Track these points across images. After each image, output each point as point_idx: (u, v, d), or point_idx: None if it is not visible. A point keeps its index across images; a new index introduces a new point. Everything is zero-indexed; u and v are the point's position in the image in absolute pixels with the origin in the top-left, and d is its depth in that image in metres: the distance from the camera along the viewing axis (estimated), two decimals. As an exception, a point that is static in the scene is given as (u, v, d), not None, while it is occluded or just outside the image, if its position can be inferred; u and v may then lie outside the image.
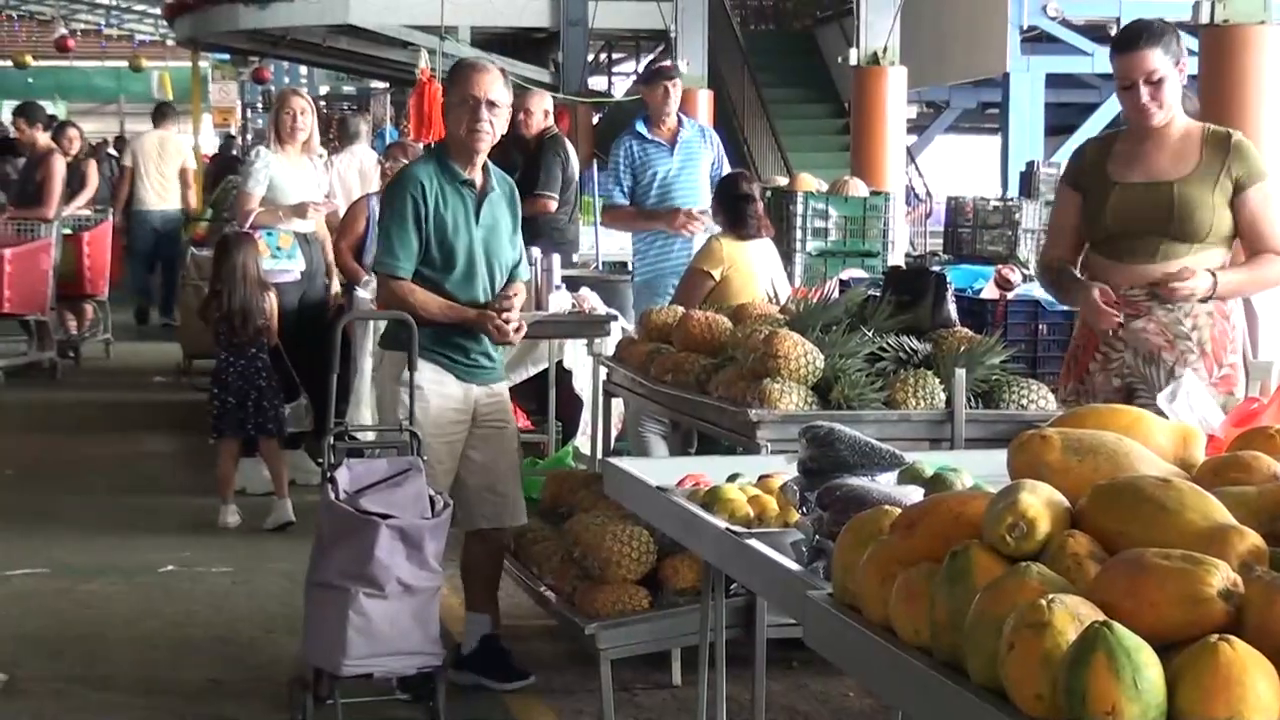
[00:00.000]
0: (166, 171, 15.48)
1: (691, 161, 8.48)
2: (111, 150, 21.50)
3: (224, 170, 17.86)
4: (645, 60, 25.57)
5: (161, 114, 16.28)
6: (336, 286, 9.01)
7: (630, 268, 9.11)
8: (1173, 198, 4.74)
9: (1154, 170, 4.81)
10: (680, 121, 8.60)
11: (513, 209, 5.50)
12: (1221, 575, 2.17)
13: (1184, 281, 4.69)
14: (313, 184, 8.75)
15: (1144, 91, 4.73)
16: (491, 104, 5.27)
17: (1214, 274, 4.72)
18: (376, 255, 5.46)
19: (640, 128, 8.51)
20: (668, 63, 8.96)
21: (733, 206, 7.17)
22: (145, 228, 15.44)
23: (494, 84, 5.29)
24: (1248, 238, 4.78)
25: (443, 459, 5.32)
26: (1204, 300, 4.76)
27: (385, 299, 5.42)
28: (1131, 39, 4.78)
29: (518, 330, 5.37)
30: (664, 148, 8.45)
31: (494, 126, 5.29)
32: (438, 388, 5.33)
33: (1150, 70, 4.70)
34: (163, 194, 15.45)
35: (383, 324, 5.70)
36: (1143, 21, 4.83)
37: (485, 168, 5.41)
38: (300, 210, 8.56)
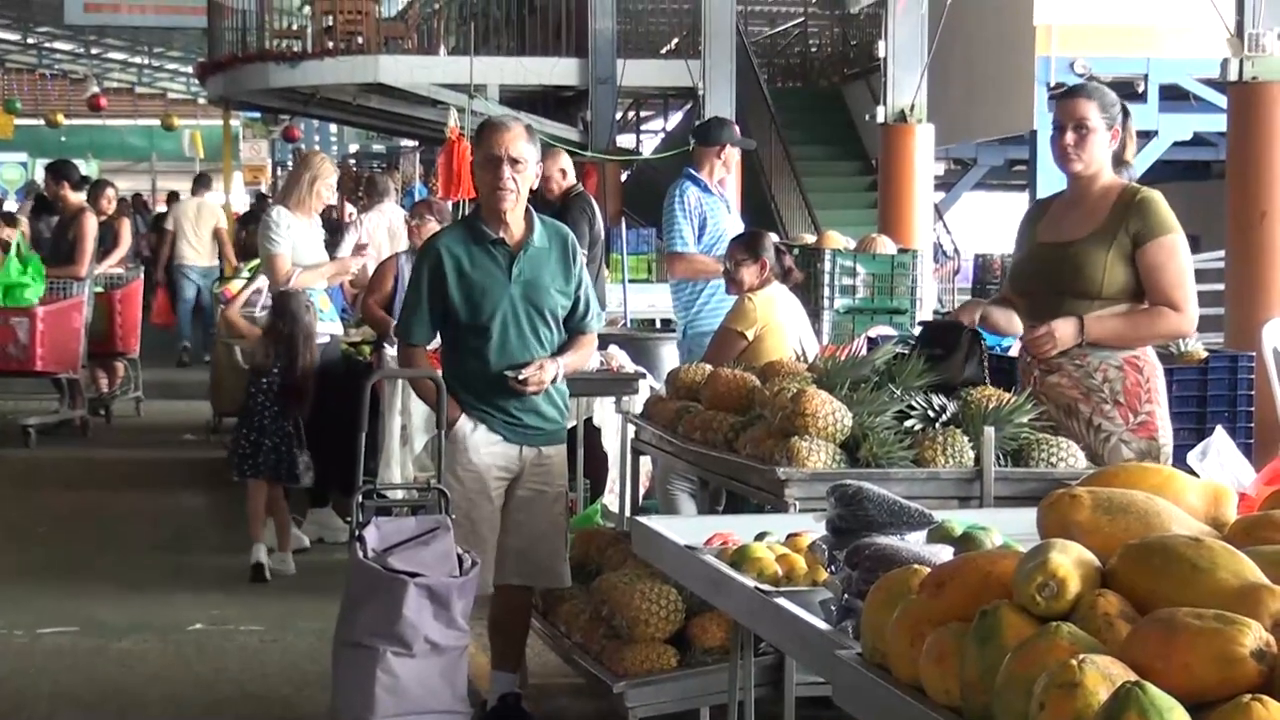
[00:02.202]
0: (202, 232, 17.91)
1: (737, 219, 8.57)
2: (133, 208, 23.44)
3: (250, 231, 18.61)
4: (674, 118, 25.64)
5: (200, 183, 19.11)
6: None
7: (672, 323, 9.07)
8: (1067, 257, 4.96)
9: (1062, 230, 5.05)
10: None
11: (564, 258, 5.42)
12: (1254, 635, 2.17)
13: (1037, 335, 4.97)
14: (319, 243, 8.81)
15: (1070, 136, 4.96)
16: (514, 161, 5.24)
17: (1082, 320, 4.91)
18: (397, 319, 5.66)
19: (698, 177, 8.49)
20: (736, 129, 8.97)
21: (774, 254, 7.17)
22: (186, 281, 17.72)
23: (515, 141, 5.27)
24: (1147, 291, 4.94)
25: (485, 515, 5.33)
26: (1078, 346, 4.95)
27: (399, 358, 5.72)
28: (1075, 89, 5.11)
29: (537, 381, 5.33)
30: (720, 200, 8.51)
31: (518, 184, 5.27)
32: (483, 445, 5.35)
33: (1081, 117, 4.95)
34: (199, 250, 17.79)
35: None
36: (1094, 82, 5.10)
37: (529, 219, 5.37)
38: (343, 267, 8.67)
